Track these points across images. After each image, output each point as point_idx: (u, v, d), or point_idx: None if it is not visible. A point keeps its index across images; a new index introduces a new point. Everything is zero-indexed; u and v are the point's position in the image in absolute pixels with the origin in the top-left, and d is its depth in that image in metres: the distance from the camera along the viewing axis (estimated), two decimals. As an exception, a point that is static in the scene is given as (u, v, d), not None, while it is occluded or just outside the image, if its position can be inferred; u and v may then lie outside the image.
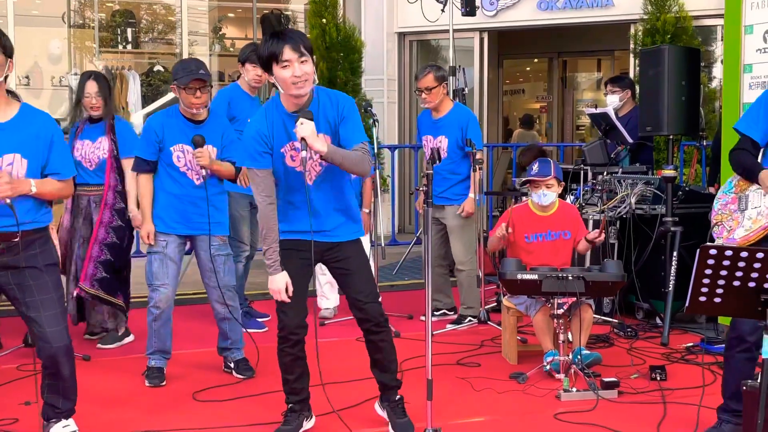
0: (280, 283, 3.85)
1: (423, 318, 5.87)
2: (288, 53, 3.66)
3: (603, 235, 5.25)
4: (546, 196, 5.28)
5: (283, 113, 3.82)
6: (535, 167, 5.30)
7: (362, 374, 4.33)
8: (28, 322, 3.66)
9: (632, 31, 9.40)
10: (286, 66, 3.67)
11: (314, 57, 3.81)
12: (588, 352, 5.03)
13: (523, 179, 5.37)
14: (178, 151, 4.81)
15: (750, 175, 3.94)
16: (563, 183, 5.47)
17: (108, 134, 5.48)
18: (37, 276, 3.63)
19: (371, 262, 5.85)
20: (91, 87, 5.46)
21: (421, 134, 6.28)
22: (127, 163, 5.36)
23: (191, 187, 4.81)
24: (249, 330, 5.44)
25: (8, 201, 3.44)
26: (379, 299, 4.04)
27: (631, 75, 9.37)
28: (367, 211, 6.25)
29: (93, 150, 5.47)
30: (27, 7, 11.08)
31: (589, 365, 4.89)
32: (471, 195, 6.08)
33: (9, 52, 3.55)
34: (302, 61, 3.68)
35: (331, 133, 3.83)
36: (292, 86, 3.70)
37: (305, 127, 3.65)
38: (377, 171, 6.09)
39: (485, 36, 10.69)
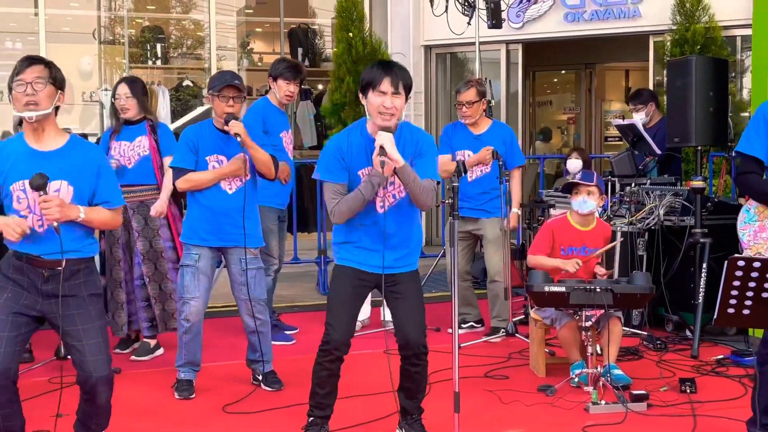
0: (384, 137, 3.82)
1: (450, 330, 5.86)
2: (386, 85, 3.82)
3: (608, 274, 5.27)
4: (586, 203, 5.24)
5: (367, 137, 3.93)
6: (578, 174, 5.29)
7: (386, 387, 4.34)
8: (68, 350, 3.67)
9: (651, 42, 9.36)
10: (380, 95, 3.82)
11: (408, 96, 3.96)
12: (620, 372, 4.98)
13: (565, 183, 5.35)
14: (213, 161, 4.86)
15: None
16: (605, 196, 5.46)
17: (149, 134, 5.58)
18: (80, 305, 3.64)
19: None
20: (122, 89, 5.61)
21: (456, 148, 6.25)
22: (166, 161, 5.51)
23: (225, 199, 4.85)
24: (277, 342, 5.47)
25: (55, 224, 3.48)
26: (425, 331, 4.05)
27: (650, 85, 9.35)
28: (516, 210, 6.40)
29: (132, 148, 5.57)
30: (58, 24, 11.23)
31: (618, 388, 4.83)
32: (515, 210, 6.21)
33: (59, 84, 3.62)
34: (396, 96, 3.83)
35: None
36: (378, 115, 3.84)
37: (384, 137, 3.77)
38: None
39: (518, 48, 10.66)
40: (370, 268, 3.98)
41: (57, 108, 3.64)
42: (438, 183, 3.99)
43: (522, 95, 11.20)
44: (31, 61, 3.60)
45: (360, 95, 3.96)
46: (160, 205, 5.58)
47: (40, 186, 3.47)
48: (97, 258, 4.56)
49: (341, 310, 3.96)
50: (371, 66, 3.96)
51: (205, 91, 11.50)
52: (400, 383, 4.13)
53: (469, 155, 6.15)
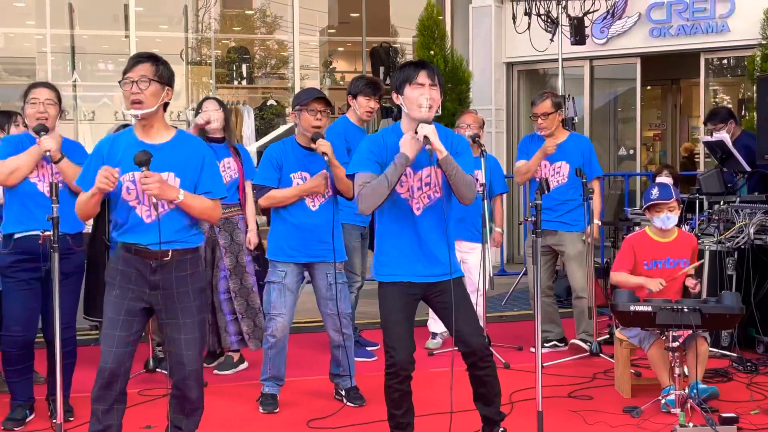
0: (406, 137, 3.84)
1: (533, 349, 5.81)
2: (423, 77, 3.85)
3: (698, 288, 5.15)
4: (670, 219, 5.15)
5: (401, 136, 3.92)
6: (655, 191, 5.19)
7: (467, 405, 4.31)
8: (167, 340, 3.80)
9: (740, 57, 9.13)
10: (417, 87, 3.84)
11: (443, 91, 3.97)
12: (705, 386, 4.87)
13: (646, 205, 5.27)
14: (297, 178, 4.93)
15: None
16: (681, 205, 5.37)
17: (234, 156, 5.72)
18: (185, 299, 3.75)
19: (480, 290, 5.87)
20: (210, 104, 5.75)
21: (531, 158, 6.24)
22: (248, 185, 5.70)
23: (309, 215, 4.92)
24: (358, 359, 5.50)
25: (154, 200, 3.59)
26: (483, 332, 4.03)
27: (739, 101, 9.12)
28: (499, 230, 6.44)
29: (223, 169, 5.68)
30: (148, 46, 11.55)
31: (706, 399, 4.74)
32: (596, 221, 6.17)
33: (167, 81, 3.72)
34: (433, 87, 3.86)
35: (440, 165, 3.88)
36: (417, 108, 3.84)
37: (428, 128, 3.78)
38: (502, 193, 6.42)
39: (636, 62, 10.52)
40: (413, 278, 3.96)
41: (166, 104, 3.74)
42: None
43: (607, 111, 11.07)
44: (139, 59, 3.71)
45: (394, 95, 3.96)
46: (253, 237, 5.76)
47: (143, 162, 3.55)
48: None
49: (397, 330, 3.94)
50: (402, 67, 3.98)
51: (288, 110, 11.71)
52: (474, 392, 4.10)
53: (546, 166, 6.15)
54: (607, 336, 6.40)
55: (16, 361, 4.69)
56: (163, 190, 3.59)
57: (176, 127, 3.85)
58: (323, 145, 4.76)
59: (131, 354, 3.76)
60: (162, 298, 3.73)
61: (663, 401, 4.81)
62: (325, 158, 4.76)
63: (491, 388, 4.07)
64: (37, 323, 4.72)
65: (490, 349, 4.03)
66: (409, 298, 3.99)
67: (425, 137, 3.76)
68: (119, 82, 3.73)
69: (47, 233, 3.89)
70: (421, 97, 3.84)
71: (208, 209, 3.79)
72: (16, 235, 4.62)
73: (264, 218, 7.27)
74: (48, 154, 4.51)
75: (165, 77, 3.71)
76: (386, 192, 3.82)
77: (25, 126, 5.17)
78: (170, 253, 3.69)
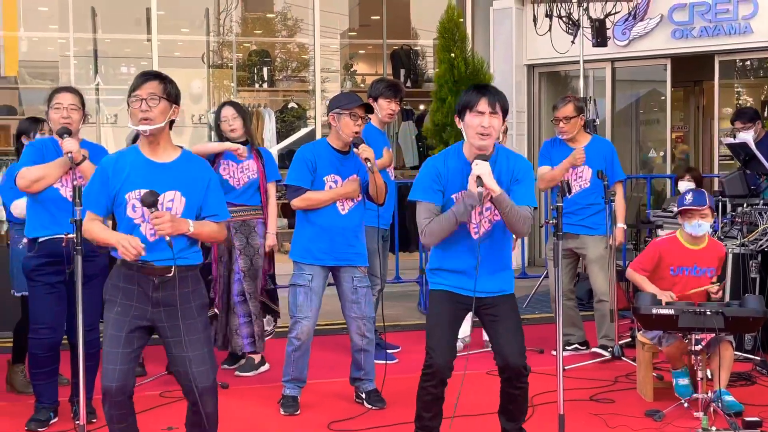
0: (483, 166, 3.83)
1: (554, 352, 5.78)
2: (483, 105, 3.86)
3: (720, 293, 5.13)
4: (701, 226, 5.12)
5: (463, 161, 3.95)
6: (689, 197, 5.16)
7: (488, 408, 4.31)
8: (174, 359, 3.75)
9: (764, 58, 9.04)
10: (477, 115, 3.85)
11: (505, 119, 3.99)
12: (732, 399, 4.82)
13: (678, 209, 5.24)
14: (330, 181, 4.94)
15: None
16: (715, 213, 5.33)
17: (256, 158, 5.73)
18: (188, 315, 3.73)
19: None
20: (228, 111, 5.77)
21: (555, 164, 6.22)
22: (271, 187, 5.72)
23: (338, 218, 4.93)
24: (379, 361, 5.50)
25: (168, 239, 3.61)
26: (525, 352, 4.02)
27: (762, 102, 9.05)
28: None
29: (241, 170, 5.72)
30: (170, 49, 11.64)
31: (729, 415, 4.68)
32: (621, 225, 6.14)
33: (174, 99, 3.74)
34: (493, 116, 3.86)
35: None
36: (476, 136, 3.86)
37: (482, 167, 3.78)
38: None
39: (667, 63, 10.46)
40: (465, 291, 3.99)
41: (172, 122, 3.76)
42: (534, 209, 3.97)
43: (629, 113, 11.02)
44: (147, 77, 3.72)
45: (456, 119, 3.99)
46: (272, 240, 5.78)
47: (151, 203, 3.58)
48: None
49: (441, 334, 3.97)
50: (467, 90, 3.99)
51: (309, 113, 11.75)
52: (501, 405, 4.11)
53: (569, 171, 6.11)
54: (629, 339, 6.37)
55: (43, 364, 4.72)
56: (174, 228, 3.62)
57: (181, 147, 3.85)
58: (366, 151, 4.77)
59: (134, 370, 3.76)
60: (165, 315, 3.71)
61: (675, 382, 4.79)
62: (368, 164, 4.76)
63: (519, 407, 4.09)
64: (63, 325, 4.75)
65: (528, 368, 4.02)
66: (458, 307, 4.03)
67: (478, 177, 3.77)
68: (127, 100, 3.73)
69: (70, 236, 3.91)
70: (479, 126, 3.85)
71: (214, 233, 3.82)
72: (40, 239, 4.66)
73: (285, 221, 7.31)
74: (70, 155, 4.54)
75: (173, 95, 3.73)
76: (453, 229, 3.88)
77: (51, 132, 5.22)
78: (173, 269, 3.69)
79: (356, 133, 4.87)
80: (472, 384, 5.36)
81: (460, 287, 4.00)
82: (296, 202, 4.93)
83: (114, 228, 3.78)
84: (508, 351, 3.95)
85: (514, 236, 4.12)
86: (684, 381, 4.95)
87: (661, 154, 11.73)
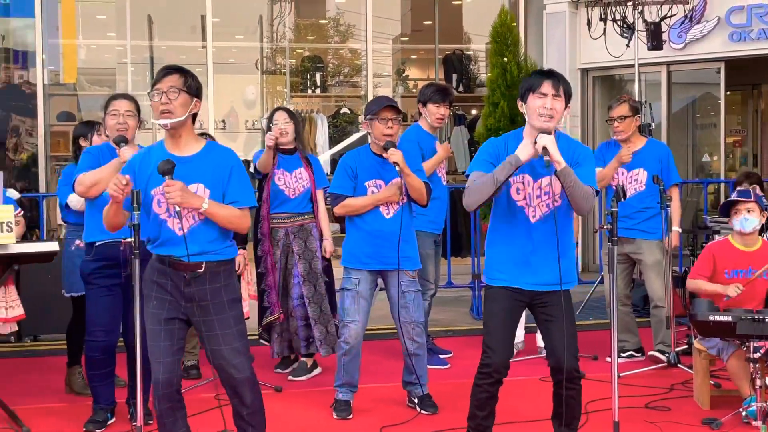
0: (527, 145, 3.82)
1: (609, 359, 5.72)
2: (546, 87, 3.84)
3: None
4: (747, 221, 5.04)
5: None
6: (735, 194, 5.08)
7: (541, 415, 4.28)
8: (210, 353, 3.81)
9: None
10: (540, 97, 3.83)
11: (569, 104, 3.95)
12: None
13: (722, 203, 5.15)
14: (372, 186, 4.96)
15: None
16: (766, 213, 5.22)
17: (306, 167, 5.78)
18: (221, 310, 3.77)
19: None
20: (280, 116, 5.82)
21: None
22: (320, 194, 5.76)
23: (383, 223, 4.94)
24: (432, 366, 5.50)
25: (177, 208, 3.61)
26: (578, 354, 3.99)
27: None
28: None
29: (296, 179, 5.77)
30: (224, 56, 11.78)
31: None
32: (676, 229, 6.08)
33: (194, 92, 3.74)
34: (556, 98, 3.84)
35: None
36: (538, 117, 3.84)
37: (546, 138, 3.76)
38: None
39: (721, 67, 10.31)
40: (522, 284, 3.95)
41: (195, 115, 3.78)
42: (597, 192, 3.94)
43: (685, 117, 10.86)
44: (168, 70, 3.75)
45: (519, 103, 3.97)
46: (329, 245, 5.80)
47: (166, 171, 3.59)
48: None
49: (498, 332, 3.95)
50: (529, 75, 3.99)
51: (361, 118, 11.79)
52: (554, 410, 4.07)
53: (624, 173, 6.05)
54: (686, 346, 6.26)
55: (99, 366, 4.81)
56: (185, 198, 3.60)
57: (206, 138, 3.88)
58: (394, 155, 4.78)
59: (179, 361, 3.82)
60: (198, 310, 3.75)
61: (744, 413, 4.69)
62: (397, 168, 4.78)
63: (571, 411, 4.03)
64: (119, 328, 4.83)
65: (581, 371, 3.98)
66: (515, 304, 3.99)
67: (544, 148, 3.75)
68: (148, 93, 3.77)
69: (128, 240, 3.98)
70: (541, 107, 3.83)
71: (235, 218, 3.77)
72: (97, 243, 4.75)
73: (337, 226, 7.34)
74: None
75: (193, 88, 3.75)
76: (491, 190, 3.81)
77: (108, 135, 5.32)
78: (203, 265, 3.72)
79: (388, 136, 4.89)
80: (524, 390, 5.34)
81: (517, 280, 3.96)
82: (337, 210, 5.00)
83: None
84: (561, 352, 3.91)
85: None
86: (748, 406, 4.76)
87: (715, 158, 11.54)
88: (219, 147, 3.91)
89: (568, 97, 3.90)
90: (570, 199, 3.85)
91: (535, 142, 3.79)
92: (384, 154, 4.86)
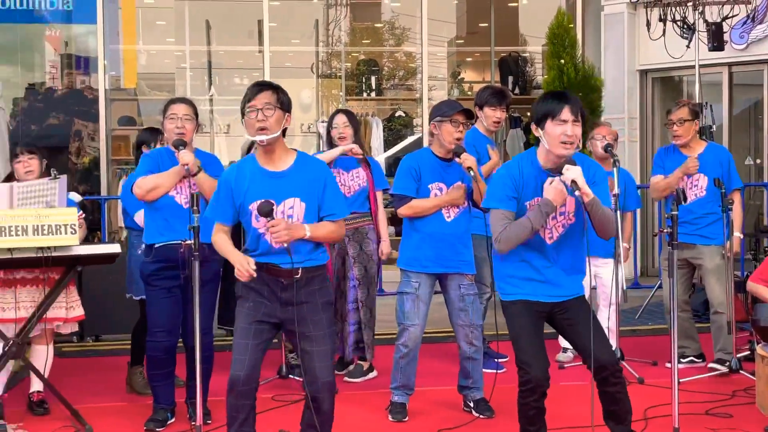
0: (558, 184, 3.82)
1: (668, 364, 5.64)
2: (566, 113, 3.82)
3: None
4: None
5: (538, 168, 3.93)
6: None
7: (598, 420, 4.22)
8: (300, 354, 3.90)
9: None
10: (560, 124, 3.81)
11: (585, 124, 3.94)
12: None
13: None
14: (435, 189, 4.96)
15: None
16: None
17: (364, 167, 5.81)
18: (315, 312, 3.87)
19: (614, 303, 5.75)
20: (340, 119, 5.88)
21: (669, 173, 6.05)
22: (379, 195, 5.81)
23: (444, 226, 4.93)
24: (487, 370, 5.47)
25: (286, 246, 3.73)
26: (612, 348, 3.95)
27: None
28: (626, 245, 6.28)
29: (352, 178, 5.81)
30: (281, 60, 11.87)
31: None
32: (738, 234, 5.98)
33: (287, 107, 3.86)
34: (576, 124, 3.82)
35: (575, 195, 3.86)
36: (560, 145, 3.82)
37: (575, 170, 3.75)
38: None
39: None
40: (541, 297, 3.95)
41: (285, 130, 3.87)
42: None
43: (746, 119, 10.64)
44: (261, 87, 3.85)
45: (533, 127, 3.93)
46: (386, 247, 5.82)
47: (267, 213, 3.70)
48: None
49: (530, 346, 3.92)
50: (543, 98, 3.95)
51: (416, 121, 11.79)
52: (605, 410, 4.02)
53: (683, 179, 5.95)
54: (748, 352, 6.14)
55: (160, 366, 4.88)
56: (291, 234, 3.72)
57: (295, 149, 3.94)
58: (468, 160, 4.78)
59: (261, 362, 3.88)
60: (293, 313, 3.83)
61: None
62: (470, 173, 4.77)
63: (622, 406, 3.99)
64: (179, 329, 4.90)
65: (619, 364, 3.93)
66: (537, 315, 3.99)
67: (573, 181, 3.74)
68: (242, 110, 3.85)
69: (188, 242, 4.04)
70: (562, 135, 3.81)
71: (332, 233, 3.91)
72: (157, 245, 4.82)
73: (392, 228, 7.36)
74: (186, 167, 4.69)
75: (285, 104, 3.85)
76: (528, 236, 3.84)
77: (167, 142, 5.40)
78: (300, 271, 3.82)
79: (458, 140, 4.88)
80: (576, 396, 5.27)
81: (535, 294, 3.95)
82: (402, 211, 4.98)
83: (244, 235, 3.95)
84: (598, 350, 3.87)
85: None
86: None
87: (758, 161, 11.29)
88: (310, 159, 4.00)
89: (584, 118, 3.89)
90: (596, 225, 3.85)
91: (561, 173, 3.78)
92: (456, 159, 4.85)
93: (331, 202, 3.88)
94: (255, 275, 3.75)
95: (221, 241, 3.92)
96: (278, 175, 3.81)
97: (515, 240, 3.85)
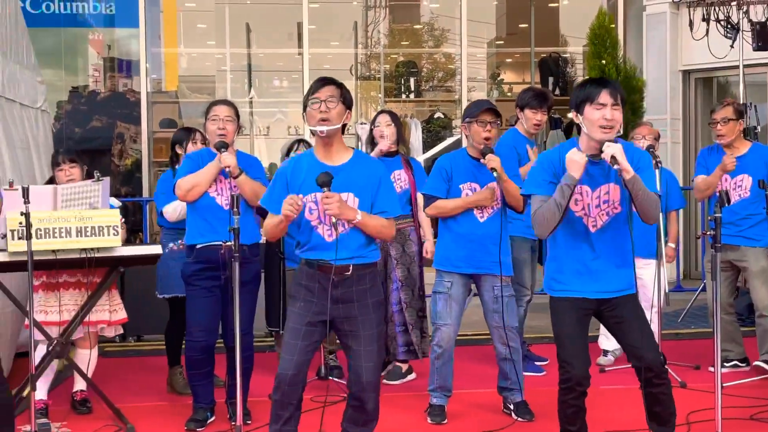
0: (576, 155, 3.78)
1: (712, 368, 5.56)
2: (605, 96, 3.76)
3: None
4: None
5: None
6: None
7: (639, 425, 4.18)
8: (346, 351, 3.94)
9: None
10: (599, 108, 3.76)
11: (624, 109, 3.88)
12: None
13: None
14: (467, 189, 4.95)
15: None
16: None
17: (406, 169, 5.82)
18: (365, 311, 3.89)
19: (656, 306, 5.69)
20: (383, 118, 5.91)
21: (711, 173, 5.97)
22: (420, 197, 5.71)
23: (477, 226, 4.92)
24: (527, 373, 5.44)
25: (333, 220, 3.74)
26: (659, 348, 3.90)
27: None
28: (672, 245, 6.22)
29: (394, 180, 5.80)
30: (320, 62, 11.92)
31: None
32: None
33: (348, 104, 3.92)
34: (615, 108, 3.77)
35: (621, 183, 3.81)
36: (599, 129, 3.77)
37: (614, 147, 3.70)
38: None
39: None
40: (588, 294, 3.90)
41: (344, 125, 3.91)
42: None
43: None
44: (324, 81, 3.92)
45: (573, 114, 3.88)
46: (431, 245, 5.80)
47: (324, 183, 3.72)
48: None
49: (573, 344, 3.88)
50: (581, 84, 3.91)
51: (455, 122, 11.77)
52: (648, 411, 3.98)
53: (727, 180, 5.86)
54: (793, 357, 6.04)
55: (199, 365, 4.92)
56: (342, 211, 3.74)
57: (353, 147, 3.99)
58: (492, 161, 4.75)
59: (309, 363, 3.91)
60: (343, 310, 3.87)
61: None
62: (494, 174, 4.75)
63: (666, 407, 3.94)
64: (218, 329, 4.94)
65: (664, 365, 3.88)
66: (582, 313, 3.93)
67: (612, 157, 3.69)
68: (304, 103, 3.91)
69: (228, 243, 4.07)
70: (601, 119, 3.76)
71: (383, 228, 3.91)
72: (198, 246, 4.87)
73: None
74: (227, 169, 4.73)
75: (348, 100, 3.91)
76: (558, 217, 3.78)
77: (203, 143, 5.45)
78: (351, 267, 3.84)
79: (486, 139, 4.86)
80: (617, 400, 5.23)
81: (581, 290, 3.90)
82: (428, 210, 5.04)
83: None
84: (644, 350, 3.84)
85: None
86: None
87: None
88: (366, 157, 4.06)
89: (624, 102, 3.83)
90: (638, 207, 3.78)
91: (601, 151, 3.73)
92: (482, 160, 4.83)
93: (384, 200, 3.91)
94: (301, 203, 3.74)
95: (269, 220, 3.94)
96: (334, 170, 3.83)
97: (546, 221, 3.79)
